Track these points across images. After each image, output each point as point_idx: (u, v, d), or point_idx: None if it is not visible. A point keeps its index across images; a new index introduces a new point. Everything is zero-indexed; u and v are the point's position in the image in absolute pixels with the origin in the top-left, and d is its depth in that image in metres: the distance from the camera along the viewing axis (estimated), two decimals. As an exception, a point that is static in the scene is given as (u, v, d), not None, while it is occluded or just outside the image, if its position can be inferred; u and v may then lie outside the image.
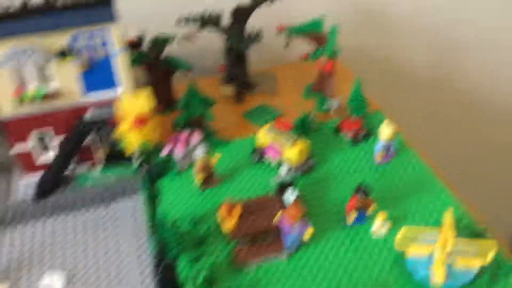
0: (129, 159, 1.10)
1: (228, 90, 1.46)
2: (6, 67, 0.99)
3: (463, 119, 2.06)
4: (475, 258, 0.91)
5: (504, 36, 1.88)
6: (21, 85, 1.02)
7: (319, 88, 1.42)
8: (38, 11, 0.96)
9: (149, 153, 0.84)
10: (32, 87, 1.03)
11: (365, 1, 1.68)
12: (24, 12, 0.96)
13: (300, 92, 1.47)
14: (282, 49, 1.40)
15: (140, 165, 0.78)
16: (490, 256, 0.89)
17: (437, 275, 0.89)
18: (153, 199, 0.89)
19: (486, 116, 2.07)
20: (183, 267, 0.96)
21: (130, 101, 0.75)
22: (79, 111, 1.07)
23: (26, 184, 1.13)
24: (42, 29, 0.97)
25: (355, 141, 1.26)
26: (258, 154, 1.20)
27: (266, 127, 1.20)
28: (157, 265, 0.89)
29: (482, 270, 0.92)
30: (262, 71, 1.57)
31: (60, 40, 0.99)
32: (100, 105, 1.07)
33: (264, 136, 1.19)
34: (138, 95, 0.78)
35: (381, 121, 1.26)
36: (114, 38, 1.01)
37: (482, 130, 2.11)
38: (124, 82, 1.06)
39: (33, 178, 1.12)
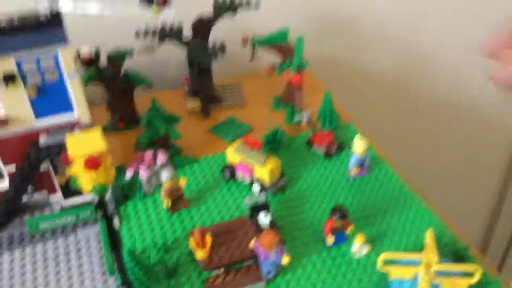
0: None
1: (193, 104, 1.40)
2: None
3: (433, 126, 2.05)
4: (462, 279, 0.87)
5: (470, 43, 1.87)
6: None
7: (288, 100, 1.37)
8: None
9: (103, 196, 0.76)
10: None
11: (331, 12, 1.63)
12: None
13: (268, 103, 1.42)
14: (247, 61, 1.35)
15: (96, 207, 0.71)
16: (477, 276, 0.85)
17: (424, 297, 0.85)
18: (114, 240, 0.81)
19: (457, 123, 2.07)
20: (154, 304, 0.89)
21: (80, 140, 0.67)
22: (31, 137, 0.98)
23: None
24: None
25: (328, 154, 1.21)
26: (229, 171, 1.14)
27: (234, 145, 1.13)
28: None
29: (469, 289, 0.88)
30: (228, 82, 1.51)
31: (6, 64, 0.90)
32: (54, 130, 0.98)
33: (232, 155, 1.13)
34: (89, 133, 0.70)
35: (353, 133, 1.22)
36: (64, 60, 0.92)
37: (452, 137, 2.11)
38: (77, 106, 0.98)
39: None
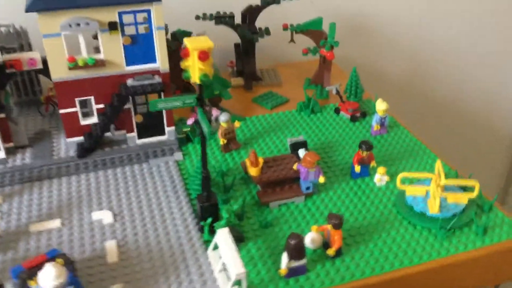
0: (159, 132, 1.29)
1: (238, 81, 1.65)
2: (63, 35, 1.14)
3: (440, 119, 2.30)
4: (464, 194, 1.09)
5: (471, 47, 2.15)
6: (74, 53, 1.18)
7: (317, 81, 1.62)
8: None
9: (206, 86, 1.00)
10: (83, 56, 1.19)
11: (351, 14, 1.91)
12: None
13: (300, 85, 1.67)
14: (284, 48, 1.61)
15: (198, 97, 0.92)
16: (476, 191, 1.08)
17: (433, 207, 1.07)
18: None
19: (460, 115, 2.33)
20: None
21: (195, 40, 0.91)
22: (121, 80, 1.23)
23: (68, 143, 1.27)
24: (95, 4, 1.13)
25: (353, 119, 1.45)
26: None
27: None
28: (202, 194, 1.04)
29: (469, 204, 1.10)
30: (266, 67, 1.77)
31: (109, 15, 1.15)
32: (139, 75, 1.23)
33: None
34: (200, 37, 0.94)
35: (374, 107, 1.46)
36: (155, 16, 1.18)
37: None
38: (160, 56, 1.23)
39: (75, 139, 1.26)
